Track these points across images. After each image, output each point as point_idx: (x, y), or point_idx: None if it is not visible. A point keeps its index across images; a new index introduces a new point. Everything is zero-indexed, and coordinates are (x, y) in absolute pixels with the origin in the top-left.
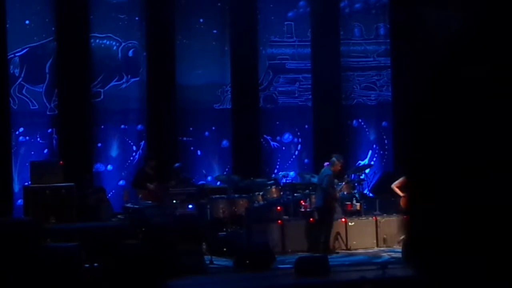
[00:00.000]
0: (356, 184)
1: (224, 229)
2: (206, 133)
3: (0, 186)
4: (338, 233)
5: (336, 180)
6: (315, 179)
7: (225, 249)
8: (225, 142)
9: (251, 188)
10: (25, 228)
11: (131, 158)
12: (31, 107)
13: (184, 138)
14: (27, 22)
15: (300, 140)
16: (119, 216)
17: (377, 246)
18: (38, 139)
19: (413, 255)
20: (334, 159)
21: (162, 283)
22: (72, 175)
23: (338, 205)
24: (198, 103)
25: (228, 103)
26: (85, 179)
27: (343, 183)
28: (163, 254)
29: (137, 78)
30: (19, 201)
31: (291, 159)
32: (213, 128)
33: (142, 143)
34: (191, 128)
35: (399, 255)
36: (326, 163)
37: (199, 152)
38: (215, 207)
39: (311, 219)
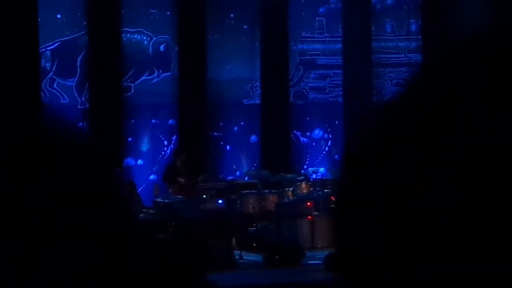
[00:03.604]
0: None
1: (254, 224)
2: (235, 128)
3: None
4: None
5: None
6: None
7: (254, 244)
8: (253, 137)
9: (281, 184)
10: None
11: (162, 152)
12: (62, 101)
13: (215, 133)
14: (58, 16)
15: (330, 136)
16: (150, 211)
17: None
18: None
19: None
20: None
21: (192, 277)
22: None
23: None
24: (227, 98)
25: (257, 99)
26: (117, 173)
27: None
28: (192, 248)
29: (169, 73)
30: None
31: (321, 155)
32: (242, 123)
33: (174, 137)
34: (220, 123)
35: None
36: None
37: (228, 147)
38: (245, 202)
39: None
